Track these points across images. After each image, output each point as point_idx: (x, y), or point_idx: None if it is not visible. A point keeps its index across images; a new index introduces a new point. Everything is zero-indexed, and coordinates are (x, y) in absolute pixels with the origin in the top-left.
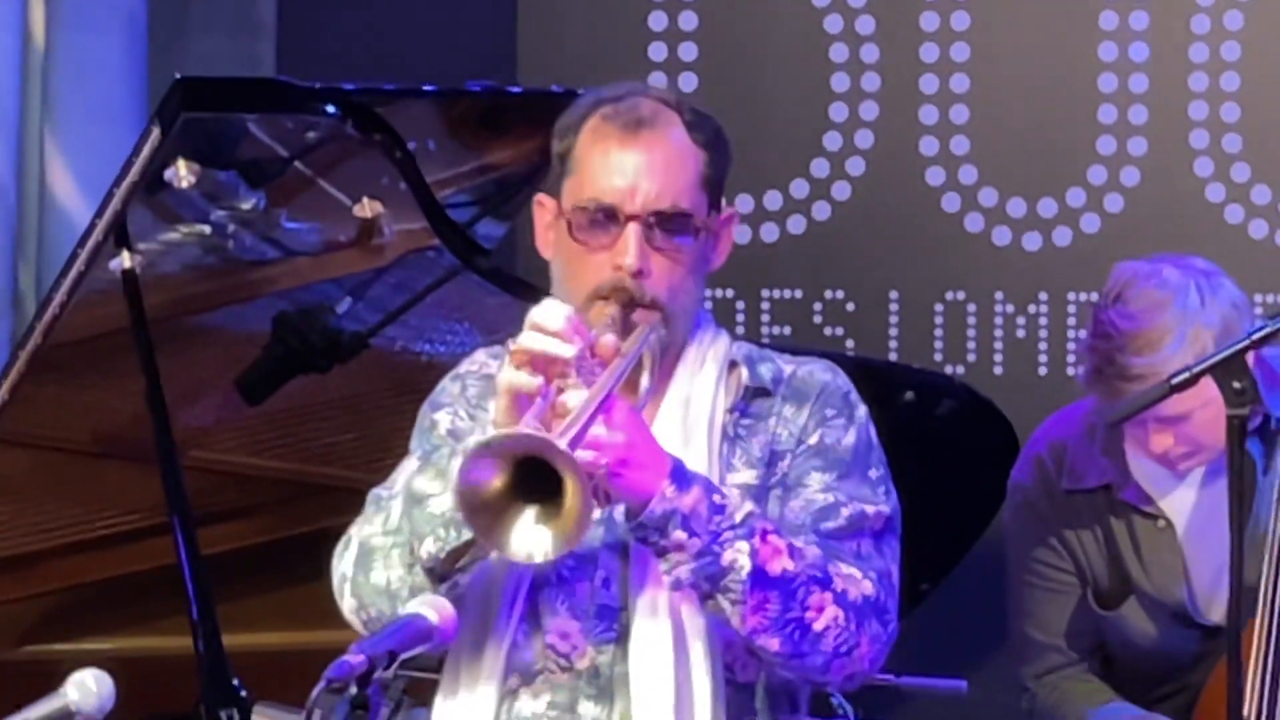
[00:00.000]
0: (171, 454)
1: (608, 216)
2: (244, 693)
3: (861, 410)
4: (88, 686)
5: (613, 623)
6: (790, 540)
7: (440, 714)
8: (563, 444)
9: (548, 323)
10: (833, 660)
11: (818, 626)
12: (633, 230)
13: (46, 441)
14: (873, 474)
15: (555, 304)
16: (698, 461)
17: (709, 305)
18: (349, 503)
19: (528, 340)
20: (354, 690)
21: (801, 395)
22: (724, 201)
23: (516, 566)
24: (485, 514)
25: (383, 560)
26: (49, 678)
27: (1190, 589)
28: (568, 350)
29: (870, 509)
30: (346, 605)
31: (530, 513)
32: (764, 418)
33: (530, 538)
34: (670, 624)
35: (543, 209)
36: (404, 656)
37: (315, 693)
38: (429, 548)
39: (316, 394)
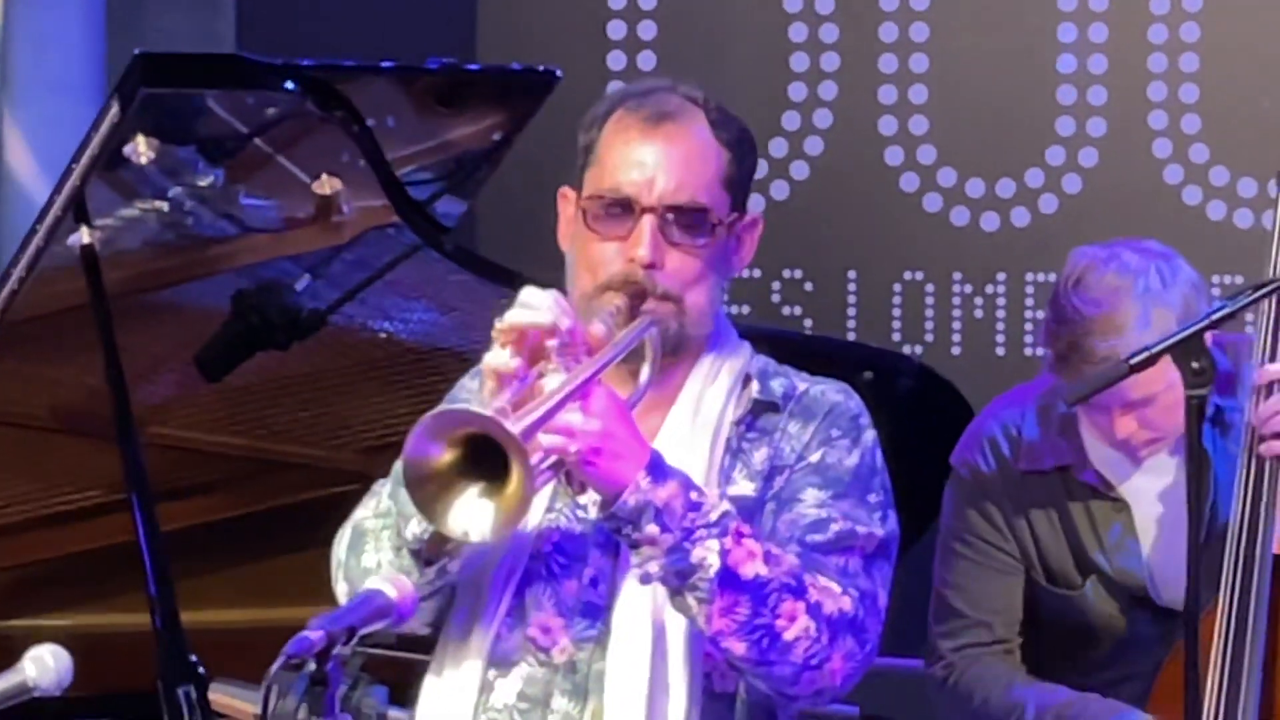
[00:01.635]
0: (130, 430)
1: (624, 208)
2: (201, 669)
3: (869, 435)
4: (45, 662)
5: (596, 620)
6: (768, 546)
7: (426, 695)
8: (512, 425)
9: (533, 300)
10: (802, 672)
11: (787, 636)
12: (647, 222)
13: (3, 417)
14: (872, 498)
15: (545, 290)
16: (697, 471)
17: None
18: (307, 480)
19: (512, 315)
20: (313, 666)
21: (809, 413)
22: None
23: (510, 558)
24: (429, 486)
25: (373, 543)
26: (6, 653)
27: (1150, 572)
28: (547, 318)
29: (862, 529)
30: (340, 590)
31: (474, 490)
32: (769, 432)
33: (470, 515)
34: (651, 626)
35: (565, 201)
36: (363, 632)
37: (274, 669)
38: (414, 529)
39: (275, 371)
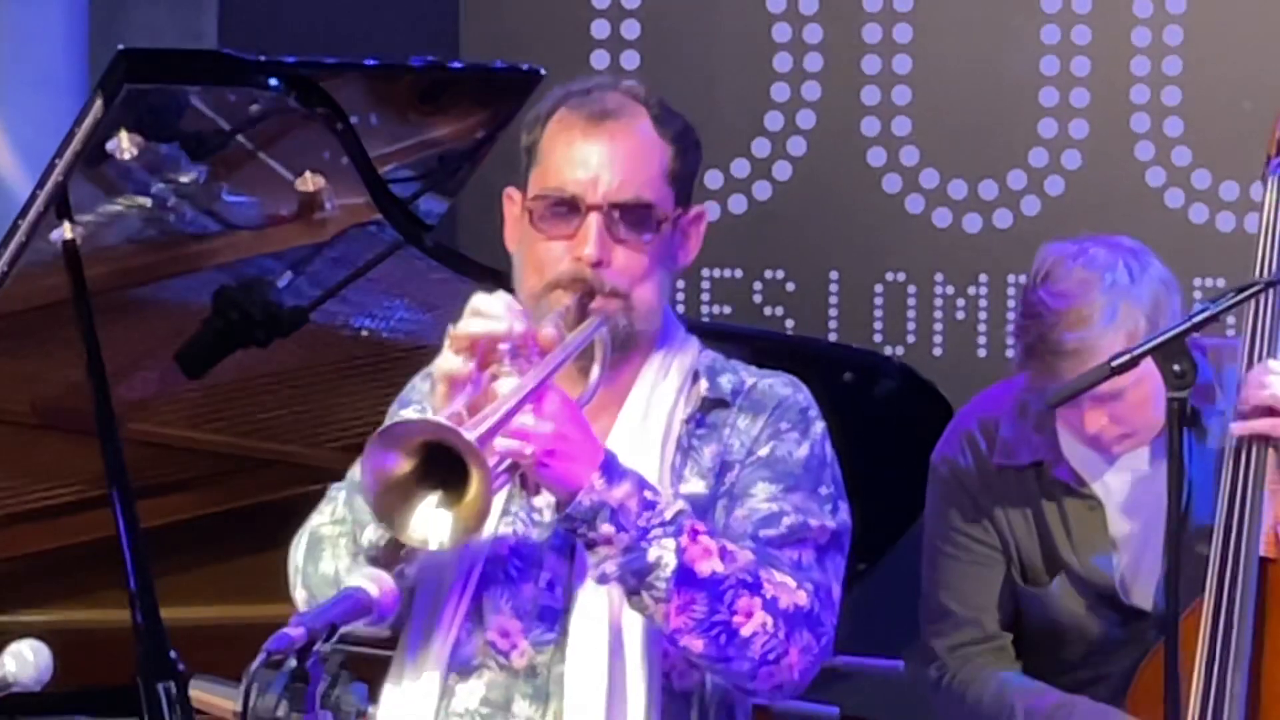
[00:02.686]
0: (111, 426)
1: (569, 207)
2: (181, 665)
3: (818, 426)
4: (25, 657)
5: (554, 624)
6: (723, 543)
7: (386, 702)
8: (468, 432)
9: (486, 307)
10: (759, 668)
11: (745, 632)
12: (594, 220)
13: None
14: (823, 490)
15: (495, 293)
16: (649, 470)
17: None
18: (287, 477)
19: (465, 325)
20: (293, 663)
21: (758, 407)
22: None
23: (466, 563)
24: (389, 495)
25: (330, 549)
26: None
27: (1120, 571)
28: (502, 325)
29: (814, 521)
30: (298, 596)
31: (432, 499)
32: (718, 428)
33: (430, 523)
34: (608, 628)
35: (511, 202)
36: (343, 629)
37: (254, 665)
38: (370, 535)
39: (256, 368)
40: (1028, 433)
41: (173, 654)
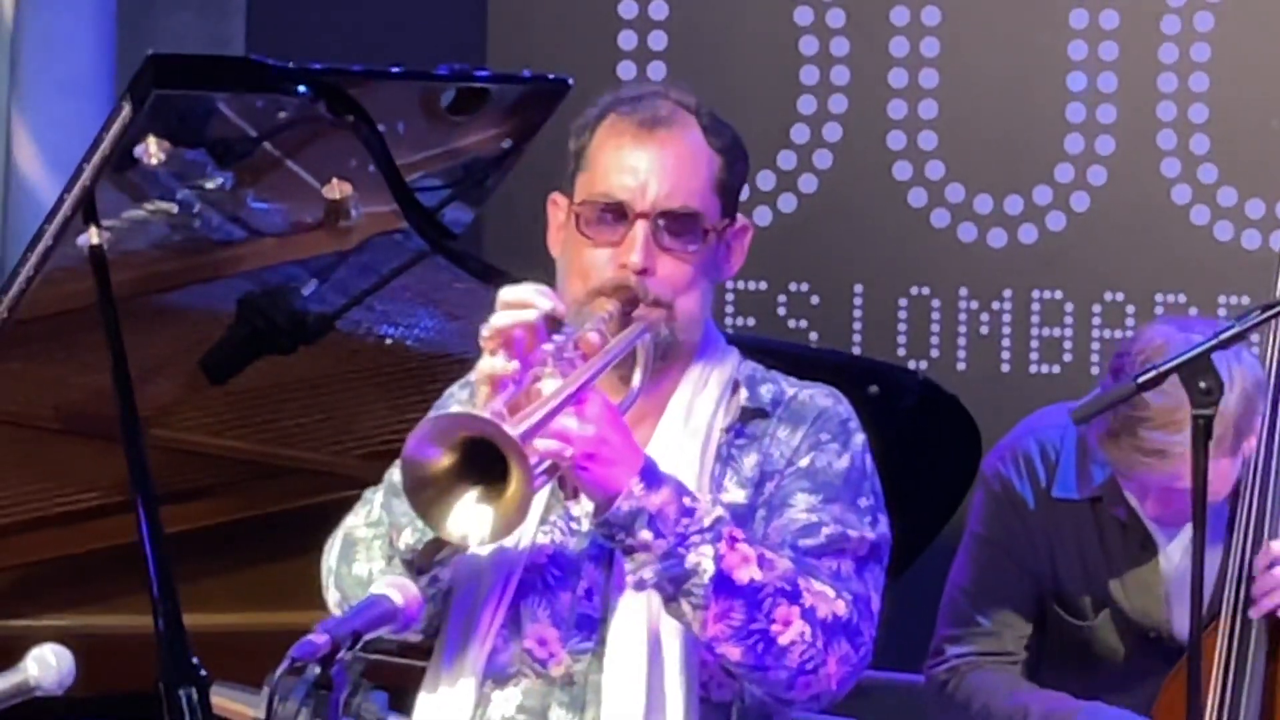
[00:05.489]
0: (135, 432)
1: (616, 213)
2: (203, 672)
3: (859, 438)
4: (48, 661)
5: (591, 633)
6: (761, 550)
7: (421, 710)
8: (511, 428)
9: (513, 297)
10: (797, 677)
11: (783, 640)
12: (640, 228)
13: (9, 417)
14: (862, 502)
15: (522, 283)
16: (689, 478)
17: None
18: (311, 484)
19: (497, 319)
20: (317, 670)
21: (798, 418)
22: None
23: (503, 571)
24: (428, 490)
25: (365, 552)
26: (9, 653)
27: (1171, 612)
28: (531, 313)
29: (853, 533)
30: (331, 598)
31: (472, 494)
32: (758, 438)
33: (469, 519)
34: (646, 636)
35: (556, 207)
36: (368, 638)
37: (278, 673)
38: (407, 539)
39: (280, 375)
40: (1088, 467)
41: (195, 660)
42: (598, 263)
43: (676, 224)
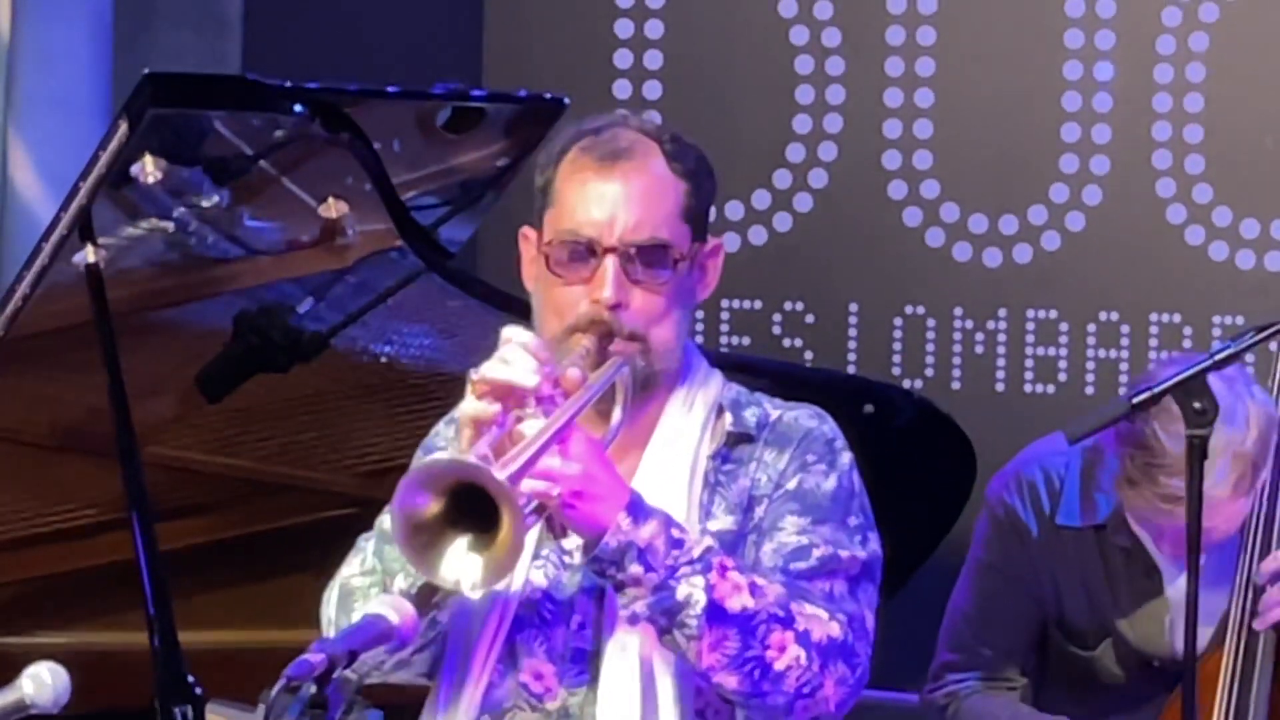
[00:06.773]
0: (131, 449)
1: (586, 249)
2: (199, 689)
3: (845, 457)
4: (43, 680)
5: (585, 665)
6: (752, 578)
7: None
8: (499, 472)
9: (513, 357)
10: (795, 701)
11: (778, 666)
12: (610, 263)
13: (5, 433)
14: (852, 521)
15: (521, 333)
16: (677, 508)
17: None
18: (306, 502)
19: (489, 370)
20: (313, 689)
21: (784, 440)
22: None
23: (498, 606)
24: (419, 538)
25: (362, 600)
26: (4, 670)
27: (1176, 640)
28: (530, 380)
29: (844, 553)
30: None
31: (463, 541)
32: (745, 463)
33: (460, 565)
34: (640, 670)
35: (527, 241)
36: (364, 656)
37: (274, 691)
38: (400, 585)
39: (276, 393)
40: (1092, 493)
41: (190, 678)
42: (571, 299)
43: (646, 256)
